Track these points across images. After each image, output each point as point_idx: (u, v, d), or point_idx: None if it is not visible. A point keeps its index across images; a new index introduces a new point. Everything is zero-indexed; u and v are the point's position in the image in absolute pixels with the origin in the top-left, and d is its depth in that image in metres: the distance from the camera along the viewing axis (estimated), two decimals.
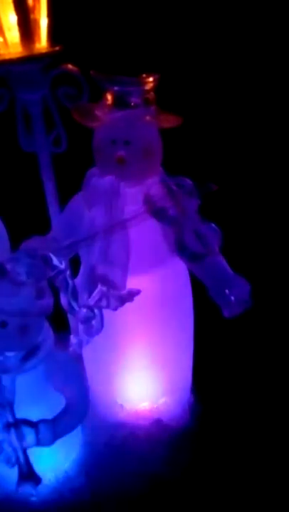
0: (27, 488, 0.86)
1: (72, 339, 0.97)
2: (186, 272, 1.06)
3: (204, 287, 1.00)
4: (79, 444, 1.05)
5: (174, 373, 1.11)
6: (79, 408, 0.91)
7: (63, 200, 1.11)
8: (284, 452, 1.07)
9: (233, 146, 1.41)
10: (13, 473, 0.90)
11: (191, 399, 1.16)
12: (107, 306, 0.92)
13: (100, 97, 0.98)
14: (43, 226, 1.14)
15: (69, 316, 1.08)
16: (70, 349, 0.95)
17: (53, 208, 1.16)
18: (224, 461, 1.05)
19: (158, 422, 1.10)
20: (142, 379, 1.10)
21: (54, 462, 0.99)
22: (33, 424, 0.85)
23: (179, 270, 1.06)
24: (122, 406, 1.11)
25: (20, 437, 0.84)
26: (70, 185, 1.06)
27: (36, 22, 1.02)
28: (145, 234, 0.98)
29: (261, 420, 1.12)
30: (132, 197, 0.95)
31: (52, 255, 0.86)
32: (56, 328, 0.96)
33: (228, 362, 1.25)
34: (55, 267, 0.85)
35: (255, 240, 1.45)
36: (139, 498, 1.01)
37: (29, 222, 1.11)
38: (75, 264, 1.03)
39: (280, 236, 1.48)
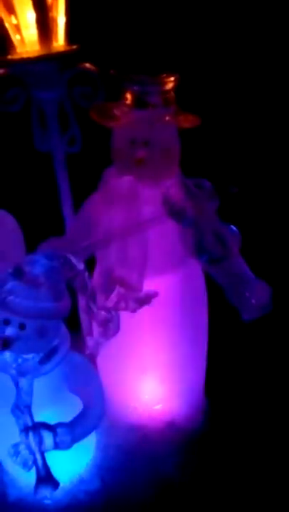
0: (45, 492, 0.85)
1: (89, 341, 0.96)
2: (202, 275, 1.06)
3: (219, 290, 0.99)
4: (93, 446, 1.05)
5: (187, 375, 1.11)
6: (96, 411, 0.91)
7: (77, 201, 1.11)
8: None
9: (253, 147, 1.40)
10: (27, 476, 0.90)
11: (204, 401, 1.16)
12: (126, 308, 0.91)
13: (114, 97, 0.97)
14: (56, 227, 1.13)
15: (81, 317, 1.07)
16: (87, 352, 0.94)
17: (67, 209, 1.15)
18: (237, 465, 1.05)
19: (171, 425, 1.10)
20: (155, 381, 1.09)
21: (68, 465, 0.99)
22: (51, 428, 0.84)
23: (194, 273, 1.05)
24: (135, 408, 1.11)
25: (39, 441, 0.83)
26: (84, 186, 1.05)
27: (54, 20, 1.01)
28: (162, 236, 0.97)
29: (274, 423, 1.12)
30: (150, 198, 0.94)
31: (70, 256, 0.85)
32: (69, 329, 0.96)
33: (242, 365, 1.24)
34: (74, 268, 0.84)
35: (275, 242, 1.44)
36: (153, 501, 1.00)
37: (43, 223, 1.11)
38: (88, 266, 1.02)
39: None
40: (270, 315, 0.95)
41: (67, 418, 0.90)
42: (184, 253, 1.00)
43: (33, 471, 0.86)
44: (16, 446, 0.86)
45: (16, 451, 0.86)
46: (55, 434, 0.84)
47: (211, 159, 1.25)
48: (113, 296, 0.90)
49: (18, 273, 0.85)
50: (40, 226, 1.05)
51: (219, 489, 1.01)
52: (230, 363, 1.23)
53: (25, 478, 0.95)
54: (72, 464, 1.00)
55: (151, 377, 1.09)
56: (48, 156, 1.12)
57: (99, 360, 1.11)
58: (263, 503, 0.99)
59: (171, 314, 1.03)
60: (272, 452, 1.07)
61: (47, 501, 0.98)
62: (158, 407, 1.11)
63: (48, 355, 0.87)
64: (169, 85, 0.91)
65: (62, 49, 1.02)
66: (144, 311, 0.95)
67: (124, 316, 0.94)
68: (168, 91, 0.91)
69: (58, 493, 0.96)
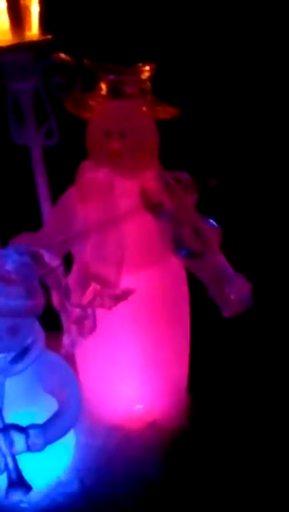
0: (16, 496, 0.82)
1: (65, 339, 0.94)
2: (183, 270, 1.03)
3: (201, 286, 0.97)
4: (72, 447, 1.02)
5: (169, 374, 1.08)
6: (71, 412, 0.88)
7: (56, 195, 1.07)
8: (281, 455, 1.04)
9: (232, 139, 1.37)
10: (2, 480, 0.87)
11: (187, 400, 1.14)
12: (101, 306, 0.88)
13: (92, 88, 0.94)
14: (34, 222, 1.10)
15: (62, 315, 1.04)
16: (62, 350, 0.92)
17: (44, 203, 1.13)
18: (221, 465, 1.03)
19: (153, 425, 1.08)
20: (136, 380, 1.07)
21: (46, 467, 0.96)
22: (22, 430, 0.82)
23: (175, 268, 1.02)
24: (115, 408, 1.08)
25: (10, 443, 0.80)
26: (62, 180, 1.02)
27: (27, 8, 0.98)
28: (140, 230, 0.94)
29: (259, 422, 1.10)
30: (127, 191, 0.91)
31: (43, 252, 0.83)
32: (47, 327, 0.93)
33: (225, 362, 1.22)
34: (46, 265, 0.81)
35: (256, 237, 1.42)
36: (134, 503, 0.98)
37: (20, 218, 1.08)
38: (67, 262, 1.00)
39: (282, 233, 1.45)
40: (252, 311, 0.94)
41: (43, 419, 0.88)
42: (164, 248, 0.98)
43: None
44: None
45: None
46: (26, 436, 0.82)
47: (190, 151, 1.22)
48: (88, 293, 0.87)
49: None
50: (18, 221, 1.03)
51: (202, 490, 0.99)
52: (214, 361, 1.21)
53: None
54: (50, 466, 0.97)
55: (131, 377, 1.06)
56: (25, 149, 1.09)
57: (78, 359, 1.09)
58: (246, 504, 0.97)
59: (151, 311, 1.01)
60: (256, 452, 1.05)
61: (24, 505, 0.95)
62: (139, 406, 1.08)
63: (21, 355, 0.85)
64: (146, 74, 0.88)
65: (35, 38, 0.99)
66: (124, 308, 0.93)
67: (103, 313, 0.92)
68: (144, 80, 0.89)
69: (36, 497, 0.94)
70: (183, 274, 1.04)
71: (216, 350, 1.24)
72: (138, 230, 0.93)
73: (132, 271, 0.95)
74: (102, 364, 1.05)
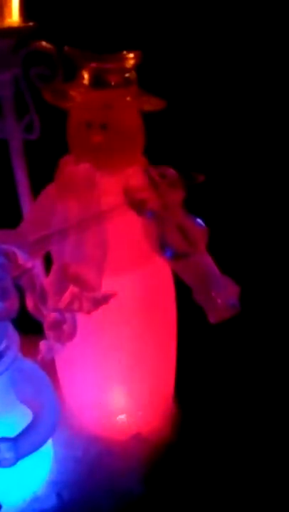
0: None
1: (42, 345, 0.88)
2: (169, 273, 0.99)
3: (188, 289, 0.93)
4: (49, 460, 0.98)
5: (154, 383, 1.04)
6: (46, 423, 0.83)
7: (36, 192, 1.03)
8: (270, 466, 1.01)
9: (221, 133, 1.33)
10: None
11: (173, 410, 1.10)
12: (79, 310, 0.83)
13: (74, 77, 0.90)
14: (13, 220, 1.05)
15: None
16: (39, 357, 0.86)
17: (25, 200, 1.09)
18: (207, 479, 0.99)
19: (136, 436, 1.04)
20: (119, 389, 1.03)
21: (21, 481, 0.91)
22: None
23: (160, 270, 0.98)
24: (97, 418, 1.04)
25: None
26: (44, 176, 0.97)
27: None
28: (124, 229, 0.90)
29: (247, 434, 1.06)
30: (110, 187, 0.87)
31: (17, 251, 0.77)
32: (25, 330, 0.88)
33: (213, 371, 1.18)
34: (20, 265, 0.76)
35: (245, 237, 1.38)
36: None
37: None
38: (48, 262, 0.95)
39: (273, 234, 1.41)
40: (243, 317, 0.90)
41: (16, 431, 0.82)
42: (148, 248, 0.93)
43: None
44: None
45: None
46: None
47: (177, 145, 1.18)
48: (66, 296, 0.81)
49: None
50: None
51: (186, 506, 0.95)
52: (202, 369, 1.17)
53: None
54: (25, 480, 0.92)
55: (114, 385, 1.02)
56: (4, 143, 1.04)
57: (58, 365, 1.05)
58: None
59: (134, 316, 0.97)
60: (244, 465, 1.01)
61: None
62: (122, 416, 1.04)
63: None
64: (130, 63, 0.84)
65: (16, 25, 0.94)
66: (105, 312, 0.88)
67: (84, 318, 0.87)
68: (129, 69, 0.85)
69: None
70: (169, 277, 1.00)
71: (205, 358, 1.20)
72: (121, 229, 0.89)
73: (115, 273, 0.90)
74: (83, 371, 1.01)
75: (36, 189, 1.05)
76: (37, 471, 0.94)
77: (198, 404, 1.11)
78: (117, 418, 1.04)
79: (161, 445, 1.04)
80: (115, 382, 1.02)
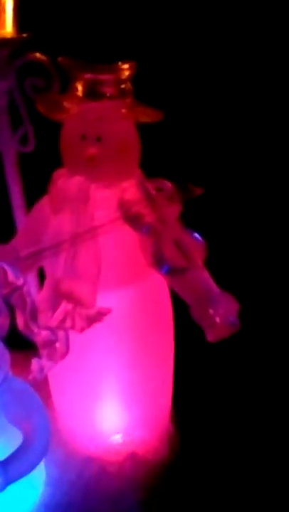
0: None
1: (34, 364, 0.86)
2: (166, 288, 0.97)
3: (186, 305, 0.90)
4: (41, 482, 0.94)
5: (150, 402, 1.02)
6: (37, 446, 0.80)
7: (31, 205, 1.01)
8: (270, 489, 0.98)
9: (220, 145, 1.31)
10: None
11: (170, 430, 1.08)
12: (72, 328, 0.81)
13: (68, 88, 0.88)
14: (7, 233, 1.04)
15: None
16: (30, 376, 0.83)
17: (18, 213, 1.08)
18: (206, 502, 0.96)
19: (132, 457, 1.01)
20: (114, 408, 1.00)
21: (11, 503, 0.88)
22: None
23: (157, 286, 0.96)
24: (91, 438, 1.01)
25: None
26: (38, 188, 0.96)
27: (1, 5, 0.92)
28: (118, 244, 0.88)
29: (247, 456, 1.04)
30: (104, 201, 0.85)
31: (7, 267, 0.75)
32: (18, 346, 0.85)
33: (213, 389, 1.16)
34: (10, 283, 0.73)
35: (245, 252, 1.36)
36: None
37: None
38: (42, 278, 0.93)
39: (274, 248, 1.38)
40: (242, 334, 0.87)
41: (5, 453, 0.79)
42: (144, 264, 0.92)
43: None
44: None
45: None
46: None
47: (173, 158, 1.17)
48: (58, 313, 0.79)
49: None
50: None
51: None
52: (200, 388, 1.15)
53: None
54: (15, 503, 0.89)
55: (109, 404, 1.00)
56: None
57: (51, 384, 1.03)
58: None
59: (129, 333, 0.94)
60: (245, 487, 0.98)
61: None
62: (117, 436, 1.02)
63: None
64: (125, 74, 0.83)
65: (10, 36, 0.93)
66: (100, 329, 0.86)
67: (78, 335, 0.85)
68: (124, 80, 0.84)
69: None
70: (166, 293, 0.98)
71: (203, 376, 1.18)
72: (116, 244, 0.87)
73: (109, 288, 0.88)
74: (77, 390, 0.99)
75: (30, 202, 1.04)
76: (29, 494, 0.91)
77: (195, 423, 1.08)
78: (112, 438, 1.01)
79: (158, 465, 1.01)
80: (110, 401, 0.99)
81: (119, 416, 1.00)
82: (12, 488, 0.80)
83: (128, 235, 0.86)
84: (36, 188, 0.99)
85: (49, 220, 0.89)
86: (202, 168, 1.20)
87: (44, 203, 0.91)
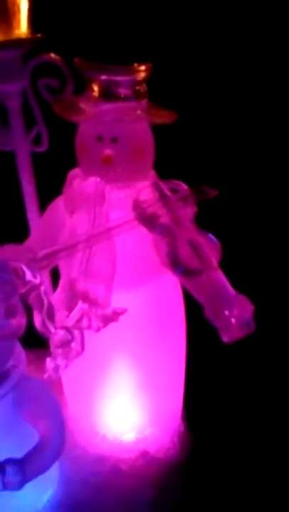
0: None
1: (49, 363, 0.86)
2: (179, 289, 0.97)
3: (198, 305, 0.90)
4: (55, 479, 0.95)
5: (162, 400, 1.02)
6: (53, 445, 0.80)
7: (44, 205, 1.02)
8: (280, 486, 0.99)
9: (233, 146, 1.31)
10: None
11: (181, 428, 1.08)
12: (89, 327, 0.81)
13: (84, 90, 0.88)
14: (20, 234, 1.04)
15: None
16: (45, 375, 0.84)
17: (32, 214, 1.08)
18: (217, 499, 0.97)
19: (144, 455, 1.01)
20: (126, 407, 1.01)
21: (26, 501, 0.88)
22: None
23: (170, 286, 0.96)
24: (104, 437, 1.02)
25: None
26: (51, 189, 0.96)
27: (16, 5, 0.92)
28: (133, 244, 0.88)
29: (258, 453, 1.04)
30: (119, 202, 0.86)
31: (25, 267, 0.75)
32: (32, 344, 0.85)
33: (224, 389, 1.16)
34: (27, 282, 0.74)
35: (259, 254, 1.35)
36: None
37: (5, 229, 1.02)
38: (55, 278, 0.93)
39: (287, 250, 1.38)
40: (253, 335, 0.87)
41: (21, 451, 0.79)
42: (158, 264, 0.92)
43: None
44: None
45: None
46: (2, 474, 0.73)
47: (188, 159, 1.17)
48: (75, 313, 0.79)
49: None
50: (2, 233, 0.96)
51: None
52: (212, 387, 1.15)
53: None
54: (30, 500, 0.89)
55: (121, 403, 1.00)
56: (11, 155, 1.03)
57: (64, 383, 1.03)
58: None
59: (142, 333, 0.95)
60: (255, 485, 0.99)
61: None
62: (129, 435, 1.02)
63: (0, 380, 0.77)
64: (141, 75, 0.83)
65: (24, 37, 0.93)
66: (114, 329, 0.86)
67: (92, 335, 0.85)
68: (139, 82, 0.83)
69: None
70: (179, 293, 0.98)
71: (214, 375, 1.18)
72: (130, 245, 0.87)
73: (123, 289, 0.88)
74: (90, 389, 0.99)
75: (43, 202, 1.04)
76: (42, 492, 0.91)
77: (207, 422, 1.09)
78: (124, 437, 1.01)
79: (170, 464, 1.01)
80: (123, 400, 0.99)
81: (131, 415, 1.01)
82: (26, 486, 0.80)
83: (142, 235, 0.86)
84: (49, 188, 0.99)
85: (64, 220, 0.89)
86: (216, 169, 1.20)
87: (59, 204, 0.91)
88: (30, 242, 0.92)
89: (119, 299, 0.86)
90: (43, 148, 1.02)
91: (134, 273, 0.90)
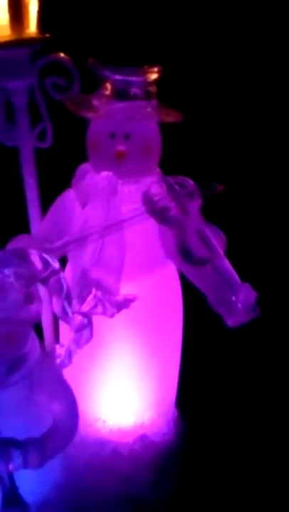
0: None
1: (59, 349, 0.89)
2: (178, 280, 1.01)
3: (193, 296, 0.94)
4: (58, 465, 0.96)
5: (160, 387, 1.06)
6: (68, 425, 0.84)
7: (44, 199, 1.04)
8: (273, 469, 1.03)
9: (234, 145, 1.36)
10: None
11: (175, 414, 1.11)
12: (103, 313, 0.84)
13: (89, 90, 0.92)
14: (20, 226, 1.06)
15: (60, 323, 1.00)
16: (58, 361, 0.87)
17: (32, 208, 1.07)
18: (211, 481, 1.01)
19: (143, 439, 1.05)
20: (126, 393, 1.03)
21: (31, 485, 0.89)
22: (20, 445, 0.76)
23: (170, 277, 1.01)
24: (104, 422, 1.04)
25: (6, 459, 0.75)
26: (50, 184, 0.99)
27: (26, 6, 0.94)
28: (139, 236, 0.92)
29: (251, 438, 1.09)
30: (130, 196, 0.89)
31: (44, 255, 0.78)
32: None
33: (218, 375, 1.21)
34: (48, 267, 0.77)
35: (260, 245, 1.40)
36: None
37: (5, 224, 1.04)
38: None
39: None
40: (247, 325, 0.91)
41: (34, 434, 0.82)
42: (160, 256, 0.96)
43: None
44: None
45: None
46: (25, 452, 0.76)
47: (191, 157, 1.21)
48: (90, 300, 0.83)
49: None
50: (2, 227, 0.98)
51: (195, 507, 0.97)
52: (206, 374, 1.19)
53: None
54: (35, 485, 0.91)
55: (121, 390, 1.03)
56: (14, 151, 1.04)
57: (65, 371, 1.03)
58: None
59: (143, 322, 0.98)
60: (249, 468, 1.04)
61: None
62: (129, 420, 1.05)
63: (16, 364, 0.80)
64: (153, 76, 0.87)
65: (33, 36, 0.96)
66: (115, 318, 0.89)
67: (95, 323, 0.88)
68: (151, 83, 0.87)
69: None
70: (177, 284, 1.02)
71: (209, 362, 1.22)
72: (139, 236, 0.91)
73: (128, 279, 0.91)
74: (91, 376, 1.01)
75: (44, 196, 1.07)
76: (47, 476, 0.93)
77: (198, 407, 1.12)
78: (124, 422, 1.04)
79: (166, 447, 1.04)
80: (122, 386, 1.02)
81: (130, 401, 1.03)
82: (33, 471, 0.82)
83: (147, 228, 0.90)
84: (49, 182, 1.02)
85: (72, 212, 0.92)
86: (215, 168, 1.24)
87: (69, 196, 0.93)
88: (42, 232, 0.95)
89: (124, 288, 0.89)
90: (47, 144, 1.03)
91: (138, 264, 0.93)
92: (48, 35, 0.97)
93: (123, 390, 1.03)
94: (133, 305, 0.90)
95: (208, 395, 1.16)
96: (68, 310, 0.80)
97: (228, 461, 1.04)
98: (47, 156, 1.07)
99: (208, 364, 1.22)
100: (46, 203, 1.04)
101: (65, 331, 0.91)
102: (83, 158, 0.96)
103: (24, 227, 1.08)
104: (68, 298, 0.80)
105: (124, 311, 0.89)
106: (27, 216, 1.09)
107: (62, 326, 1.01)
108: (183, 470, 1.02)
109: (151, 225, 0.90)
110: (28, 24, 0.96)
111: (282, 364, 1.25)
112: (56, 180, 0.99)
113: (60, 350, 0.88)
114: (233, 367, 1.22)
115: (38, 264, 0.78)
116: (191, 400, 1.13)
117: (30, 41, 0.95)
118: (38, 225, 1.06)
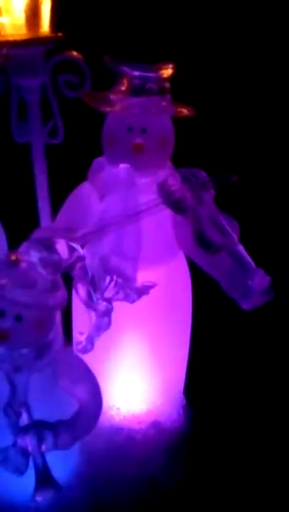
0: (46, 495, 0.79)
1: (79, 336, 0.92)
2: (188, 269, 1.05)
3: (203, 286, 0.98)
4: (76, 451, 0.98)
5: (169, 374, 1.09)
6: (93, 407, 0.86)
7: (54, 194, 1.07)
8: (280, 455, 1.07)
9: (240, 143, 1.40)
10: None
11: (184, 401, 1.14)
12: (125, 299, 0.88)
13: (101, 88, 0.95)
14: (30, 223, 1.08)
15: (74, 312, 1.02)
16: (80, 347, 0.90)
17: (42, 202, 1.10)
18: (219, 465, 1.04)
19: (155, 425, 1.07)
20: (138, 381, 1.06)
21: (53, 470, 0.90)
22: (52, 426, 0.79)
23: (180, 267, 1.04)
24: (118, 409, 1.07)
25: (40, 440, 0.77)
26: (61, 180, 1.02)
27: (38, 7, 0.97)
28: (153, 227, 0.94)
29: (260, 425, 1.12)
30: (145, 188, 0.92)
31: (69, 242, 0.81)
32: None
33: (226, 363, 1.23)
34: (74, 254, 0.80)
35: (268, 235, 1.44)
36: (139, 505, 0.97)
37: (16, 219, 1.06)
38: None
39: None
40: (254, 312, 0.94)
41: (58, 418, 0.84)
42: (172, 246, 0.99)
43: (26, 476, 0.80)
44: (4, 451, 0.80)
45: (4, 457, 0.80)
46: (56, 433, 0.78)
47: (202, 151, 1.24)
48: (112, 287, 0.86)
49: (13, 261, 0.80)
50: (14, 220, 1.00)
51: (207, 490, 1.00)
52: (214, 362, 1.22)
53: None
54: (55, 471, 0.91)
55: (134, 378, 1.06)
56: (25, 147, 1.07)
57: None
58: (249, 504, 0.99)
59: (155, 311, 1.01)
60: (257, 454, 1.07)
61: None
62: (142, 407, 1.08)
63: (44, 350, 0.82)
64: (168, 73, 0.91)
65: (46, 35, 0.99)
66: (127, 307, 0.92)
67: None
68: (166, 79, 0.91)
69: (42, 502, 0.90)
70: (187, 274, 1.05)
71: (217, 350, 1.24)
72: (154, 227, 0.94)
73: (143, 268, 0.94)
74: (103, 364, 1.03)
75: (54, 192, 1.09)
76: (65, 462, 0.94)
77: (206, 394, 1.16)
78: (137, 409, 1.07)
79: (176, 433, 1.08)
80: (135, 374, 1.05)
81: (143, 388, 1.06)
82: (52, 456, 0.84)
83: (164, 218, 0.93)
84: (60, 179, 1.04)
85: (88, 204, 0.95)
86: (225, 161, 1.27)
87: (86, 189, 0.96)
88: (59, 224, 0.97)
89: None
90: (58, 140, 1.06)
91: (150, 254, 0.95)
92: (60, 34, 1.00)
93: (135, 379, 1.06)
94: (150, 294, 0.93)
95: (215, 382, 1.19)
96: (94, 296, 0.83)
97: (234, 444, 1.08)
98: (57, 152, 1.10)
99: (213, 352, 1.24)
100: (55, 198, 1.07)
101: (83, 318, 0.94)
102: (94, 153, 0.99)
103: (34, 223, 1.11)
104: (93, 284, 0.83)
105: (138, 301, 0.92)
106: (37, 211, 1.12)
107: (77, 315, 1.03)
108: (192, 453, 1.05)
109: (164, 216, 0.93)
110: (40, 23, 0.99)
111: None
112: (66, 176, 1.02)
113: (80, 338, 0.91)
114: (239, 356, 1.26)
115: (64, 252, 0.81)
116: (198, 388, 1.16)
117: (46, 40, 0.98)
118: (48, 220, 1.09)
